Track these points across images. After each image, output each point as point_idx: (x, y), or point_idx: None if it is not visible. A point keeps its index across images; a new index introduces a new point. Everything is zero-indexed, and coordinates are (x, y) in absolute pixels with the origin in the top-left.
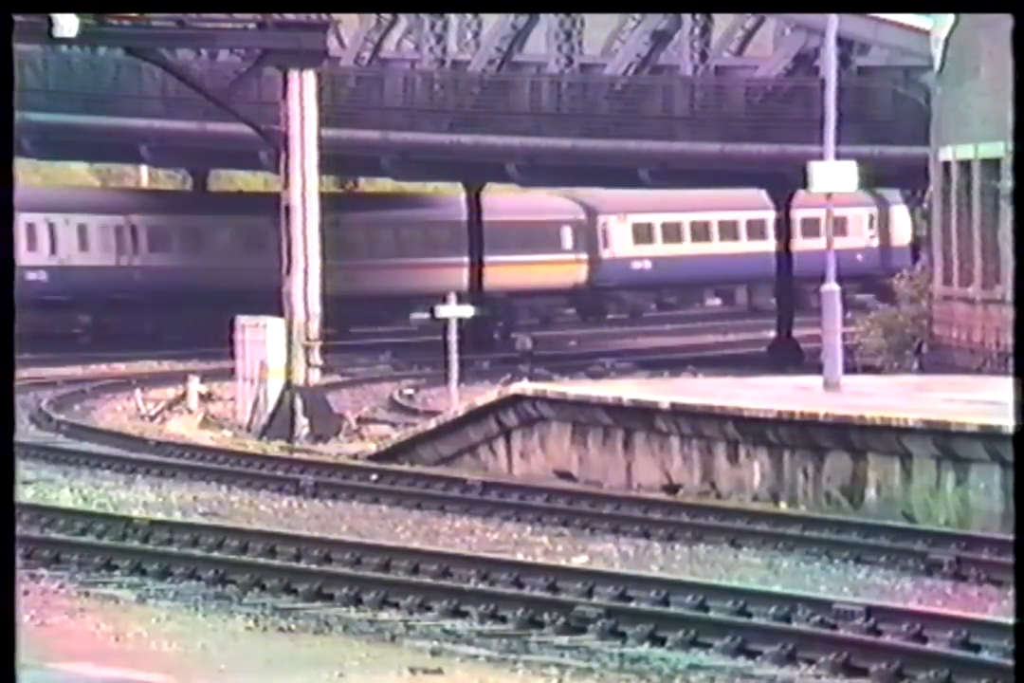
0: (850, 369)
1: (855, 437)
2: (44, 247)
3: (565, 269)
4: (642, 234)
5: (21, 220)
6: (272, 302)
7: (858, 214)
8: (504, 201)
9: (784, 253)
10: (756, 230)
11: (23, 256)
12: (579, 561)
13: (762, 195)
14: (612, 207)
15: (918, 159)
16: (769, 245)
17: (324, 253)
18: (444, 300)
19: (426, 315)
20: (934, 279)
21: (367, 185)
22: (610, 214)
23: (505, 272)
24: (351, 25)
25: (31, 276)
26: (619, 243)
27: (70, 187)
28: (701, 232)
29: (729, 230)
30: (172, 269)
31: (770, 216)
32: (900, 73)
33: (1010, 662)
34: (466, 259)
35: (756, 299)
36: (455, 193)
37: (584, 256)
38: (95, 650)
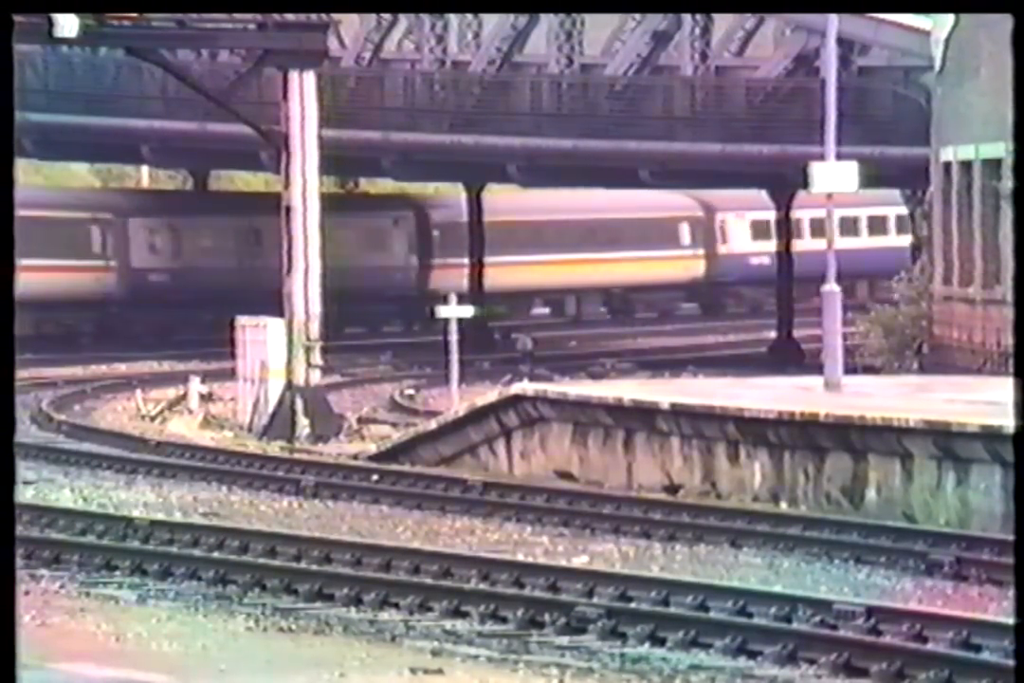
0: (851, 369)
1: (856, 437)
2: (167, 250)
3: (684, 264)
4: (760, 230)
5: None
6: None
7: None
8: (625, 198)
9: (785, 253)
10: (877, 226)
11: (148, 259)
12: (580, 561)
13: (888, 193)
14: (730, 204)
15: (919, 159)
16: (891, 241)
17: (324, 253)
18: (445, 300)
19: (546, 310)
20: (934, 279)
21: (367, 185)
22: (728, 211)
23: (624, 268)
24: (351, 25)
25: (153, 277)
26: (737, 239)
27: (209, 192)
28: (818, 229)
29: (849, 226)
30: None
31: (892, 212)
32: (900, 73)
33: (1011, 662)
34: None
35: (877, 294)
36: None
37: (701, 252)
38: (95, 650)
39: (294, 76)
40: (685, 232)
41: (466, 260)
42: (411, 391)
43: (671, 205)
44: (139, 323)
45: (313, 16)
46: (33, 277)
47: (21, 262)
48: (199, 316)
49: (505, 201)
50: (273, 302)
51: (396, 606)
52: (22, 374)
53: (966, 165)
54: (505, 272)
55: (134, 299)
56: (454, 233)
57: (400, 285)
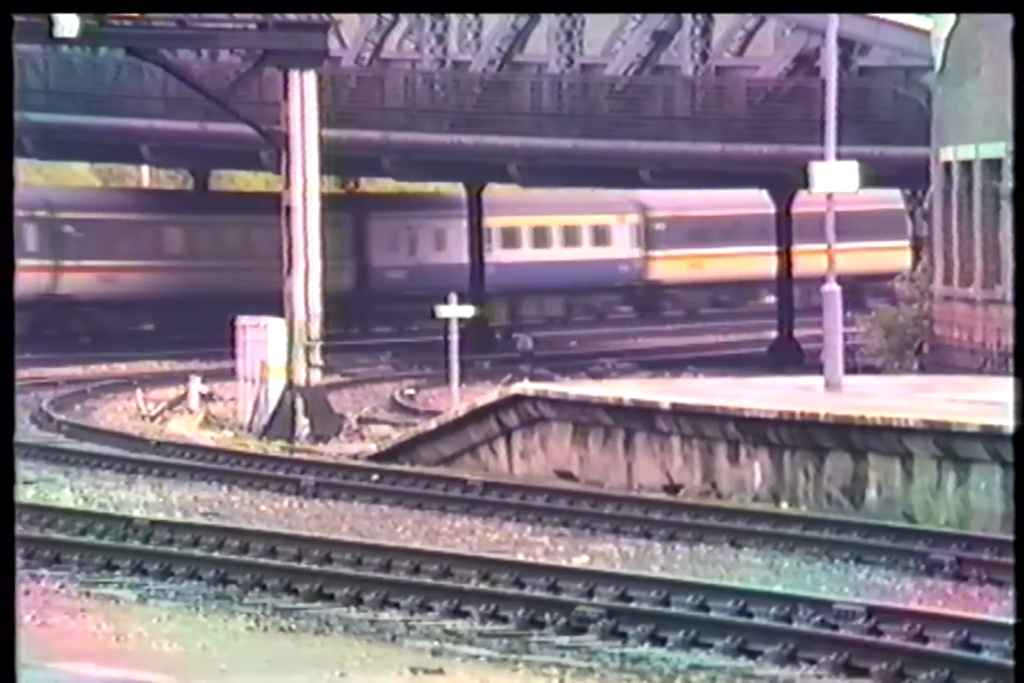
0: (851, 369)
1: (856, 437)
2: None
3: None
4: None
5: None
6: None
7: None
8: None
9: (785, 253)
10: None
11: (386, 257)
12: (580, 561)
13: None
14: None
15: (919, 159)
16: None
17: (324, 253)
18: (445, 300)
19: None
20: (935, 279)
21: (368, 185)
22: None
23: (854, 258)
24: (352, 25)
25: (392, 275)
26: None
27: (432, 195)
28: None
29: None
30: (520, 264)
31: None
32: (901, 73)
33: (1011, 662)
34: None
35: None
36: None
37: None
38: (96, 650)
39: (294, 76)
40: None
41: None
42: (411, 391)
43: (894, 198)
44: (378, 316)
45: (313, 16)
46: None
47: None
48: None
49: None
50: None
51: (396, 606)
52: (22, 374)
53: (966, 165)
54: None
55: (373, 295)
56: (679, 226)
57: (626, 276)
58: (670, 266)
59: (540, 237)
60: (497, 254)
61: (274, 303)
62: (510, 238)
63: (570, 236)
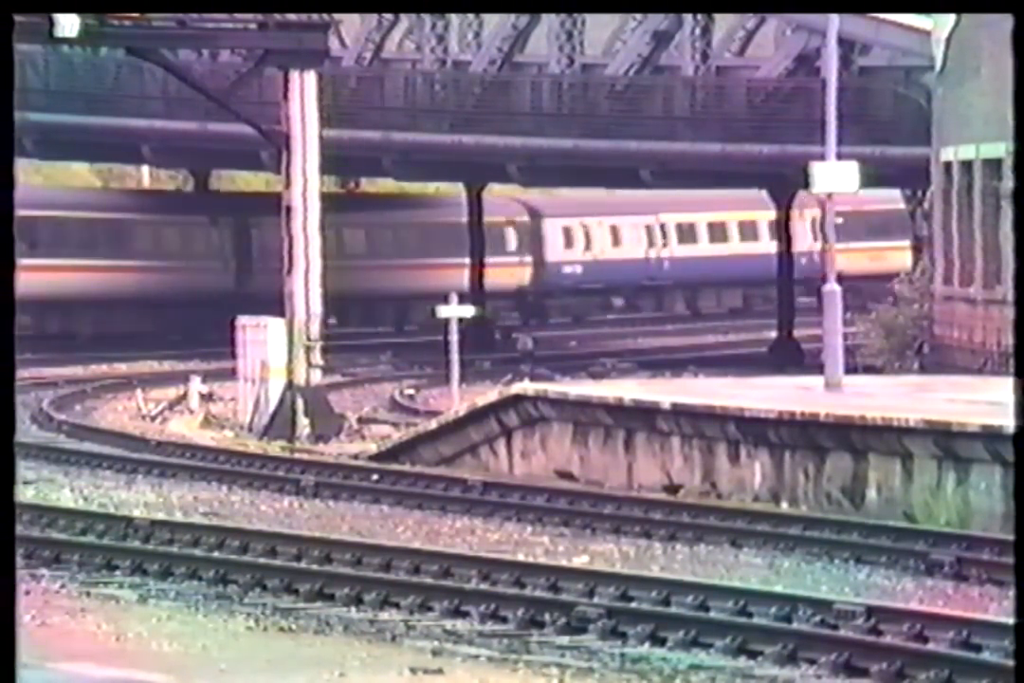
0: (851, 369)
1: (856, 437)
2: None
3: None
4: None
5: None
6: None
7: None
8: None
9: (785, 253)
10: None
11: (562, 253)
12: (580, 561)
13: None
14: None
15: (919, 159)
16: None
17: (325, 253)
18: (445, 300)
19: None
20: (935, 279)
21: (368, 185)
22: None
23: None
24: (352, 25)
25: (567, 270)
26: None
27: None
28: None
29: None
30: (695, 259)
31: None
32: (901, 73)
33: (1011, 662)
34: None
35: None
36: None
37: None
38: (96, 650)
39: (295, 76)
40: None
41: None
42: (411, 391)
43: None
44: (555, 309)
45: (314, 16)
46: (458, 273)
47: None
48: (610, 300)
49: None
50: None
51: (396, 606)
52: (22, 374)
53: (967, 165)
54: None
55: (549, 289)
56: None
57: (806, 268)
58: (849, 259)
59: (718, 232)
60: (673, 249)
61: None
62: (687, 233)
63: (747, 231)
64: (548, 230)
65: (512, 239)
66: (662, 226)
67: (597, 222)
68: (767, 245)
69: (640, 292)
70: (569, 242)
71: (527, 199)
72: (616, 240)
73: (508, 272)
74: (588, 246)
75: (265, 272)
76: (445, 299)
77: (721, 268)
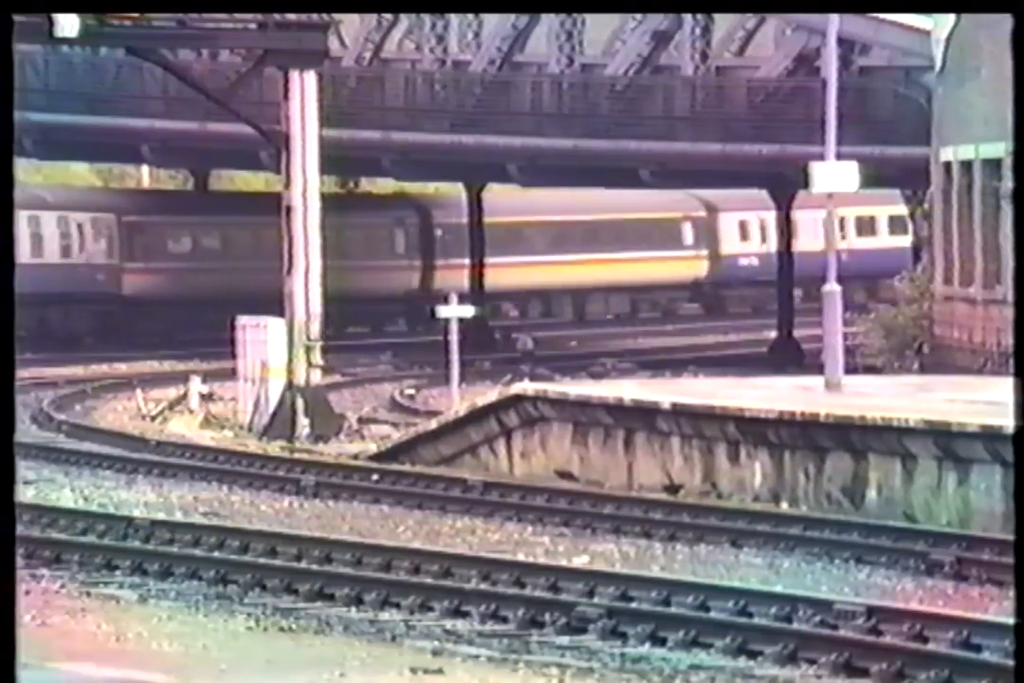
0: (851, 369)
1: (856, 437)
2: (757, 239)
3: None
4: None
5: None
6: None
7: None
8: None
9: (785, 253)
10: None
11: (739, 246)
12: (580, 561)
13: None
14: None
15: (919, 159)
16: None
17: (325, 253)
18: (445, 300)
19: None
20: (935, 279)
21: (368, 185)
22: None
23: None
24: (352, 25)
25: (743, 262)
26: None
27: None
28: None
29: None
30: (876, 250)
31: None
32: (901, 73)
33: (1011, 662)
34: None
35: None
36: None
37: None
38: (96, 650)
39: (295, 76)
40: None
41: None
42: (411, 391)
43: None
44: (735, 300)
45: (313, 16)
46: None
47: (626, 255)
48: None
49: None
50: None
51: (397, 606)
52: (22, 374)
53: (966, 165)
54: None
55: (727, 281)
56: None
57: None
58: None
59: (898, 224)
60: (852, 241)
61: None
62: (865, 226)
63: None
64: (723, 224)
65: (688, 233)
66: (841, 220)
67: (774, 215)
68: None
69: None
70: (745, 235)
71: (703, 194)
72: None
73: (685, 265)
74: (764, 239)
75: (448, 268)
76: (445, 299)
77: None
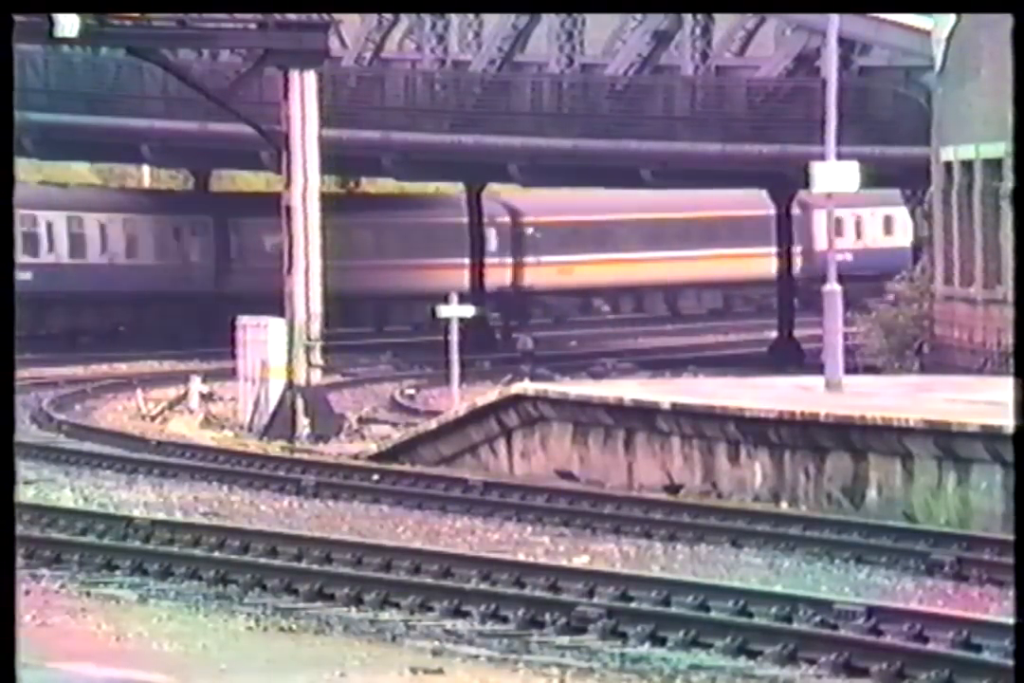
0: (851, 369)
1: (856, 437)
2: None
3: None
4: None
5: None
6: None
7: None
8: None
9: (785, 253)
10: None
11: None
12: (580, 561)
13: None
14: None
15: (919, 159)
16: None
17: (325, 253)
18: (445, 300)
19: None
20: (935, 279)
21: (368, 185)
22: None
23: None
24: (352, 25)
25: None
26: None
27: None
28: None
29: None
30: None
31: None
32: (901, 73)
33: (1011, 662)
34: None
35: None
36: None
37: None
38: (96, 650)
39: (295, 76)
40: None
41: None
42: (412, 391)
43: None
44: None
45: (314, 16)
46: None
47: (717, 252)
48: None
49: None
50: None
51: (397, 606)
52: (22, 374)
53: (967, 165)
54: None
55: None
56: None
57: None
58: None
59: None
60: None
61: None
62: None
63: None
64: (816, 220)
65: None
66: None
67: (870, 212)
68: None
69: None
70: (839, 231)
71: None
72: (888, 229)
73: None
74: (859, 235)
75: (537, 265)
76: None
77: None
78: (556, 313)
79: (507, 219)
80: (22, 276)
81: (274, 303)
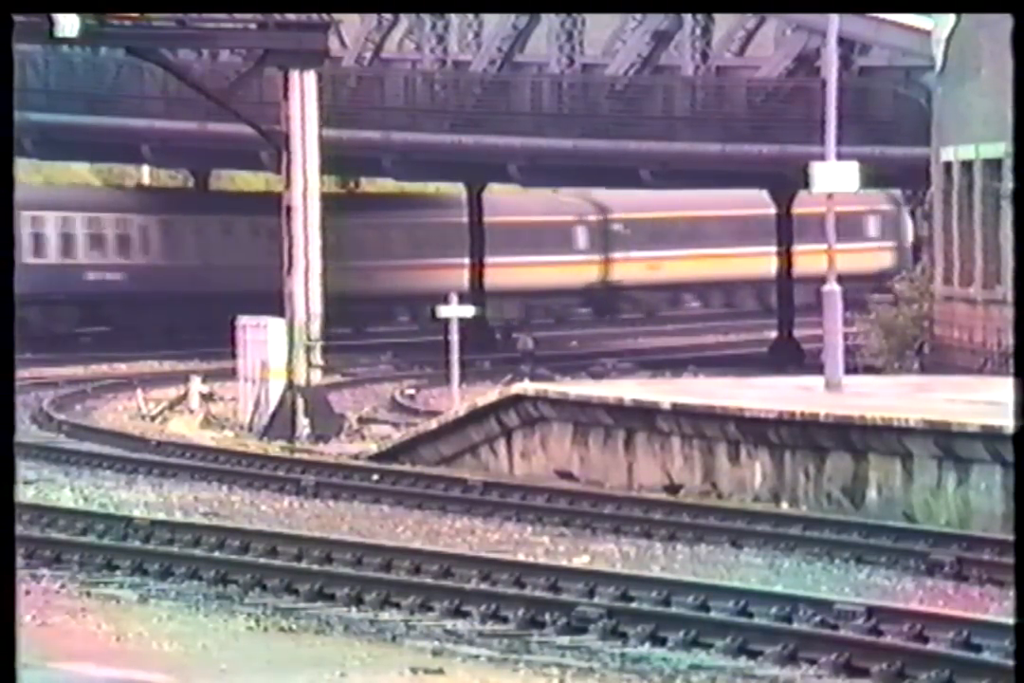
0: (851, 369)
1: (856, 437)
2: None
3: None
4: None
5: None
6: None
7: None
8: None
9: (785, 253)
10: None
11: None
12: (580, 561)
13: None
14: None
15: (919, 159)
16: None
17: (325, 253)
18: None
19: None
20: (935, 279)
21: (368, 185)
22: None
23: None
24: (352, 25)
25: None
26: None
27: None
28: None
29: None
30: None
31: None
32: (901, 73)
33: (1011, 662)
34: None
35: None
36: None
37: None
38: (96, 650)
39: (295, 76)
40: None
41: None
42: (412, 391)
43: None
44: None
45: (314, 16)
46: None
47: (809, 247)
48: None
49: None
50: None
51: (397, 606)
52: (22, 374)
53: (967, 165)
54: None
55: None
56: None
57: None
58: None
59: None
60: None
61: None
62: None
63: None
64: (908, 217)
65: (873, 226)
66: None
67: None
68: None
69: None
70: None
71: (891, 190)
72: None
73: (871, 256)
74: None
75: (625, 262)
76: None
77: None
78: (645, 308)
79: (595, 217)
80: (111, 277)
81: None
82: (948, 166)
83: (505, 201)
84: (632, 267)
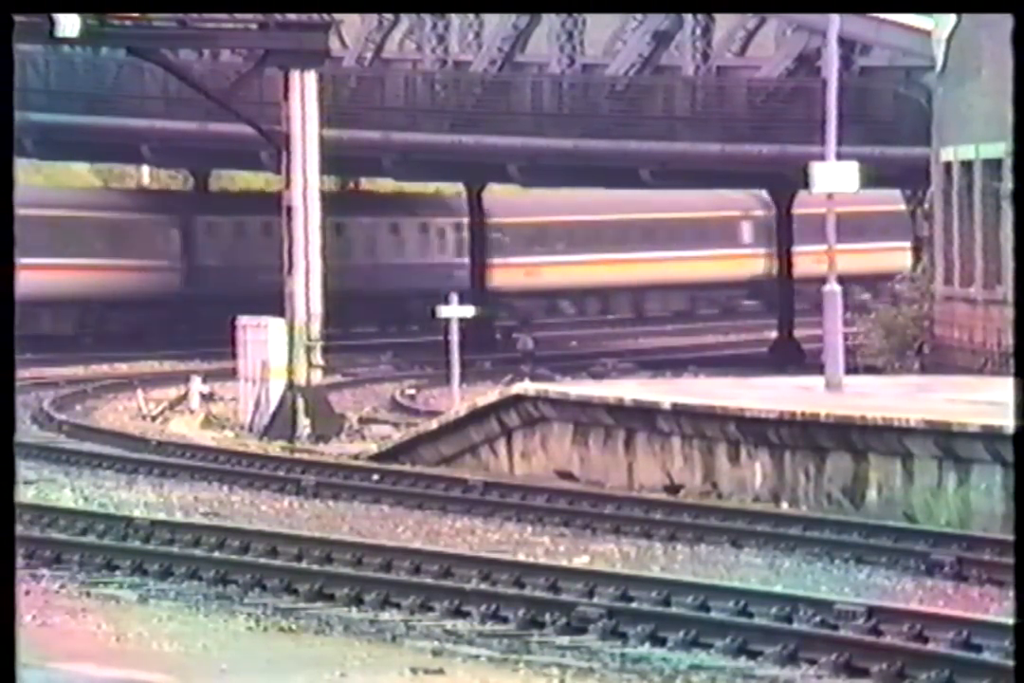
0: (851, 369)
1: (856, 437)
2: None
3: None
4: None
5: None
6: None
7: None
8: None
9: (785, 253)
10: None
11: None
12: (580, 561)
13: None
14: None
15: (919, 159)
16: None
17: (325, 253)
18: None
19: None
20: (935, 280)
21: (368, 185)
22: None
23: None
24: (353, 25)
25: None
26: None
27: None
28: None
29: None
30: None
31: None
32: (902, 73)
33: (1011, 662)
34: None
35: None
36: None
37: None
38: (96, 650)
39: (295, 76)
40: None
41: None
42: (412, 391)
43: None
44: None
45: (314, 16)
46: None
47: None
48: None
49: None
50: None
51: (397, 606)
52: (23, 374)
53: (967, 165)
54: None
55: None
56: None
57: None
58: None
59: None
60: None
61: None
62: None
63: None
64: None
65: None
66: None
67: None
68: None
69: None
70: None
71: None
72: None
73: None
74: None
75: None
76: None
77: None
78: (815, 300)
79: (763, 212)
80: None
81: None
82: (948, 166)
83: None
84: (802, 261)
